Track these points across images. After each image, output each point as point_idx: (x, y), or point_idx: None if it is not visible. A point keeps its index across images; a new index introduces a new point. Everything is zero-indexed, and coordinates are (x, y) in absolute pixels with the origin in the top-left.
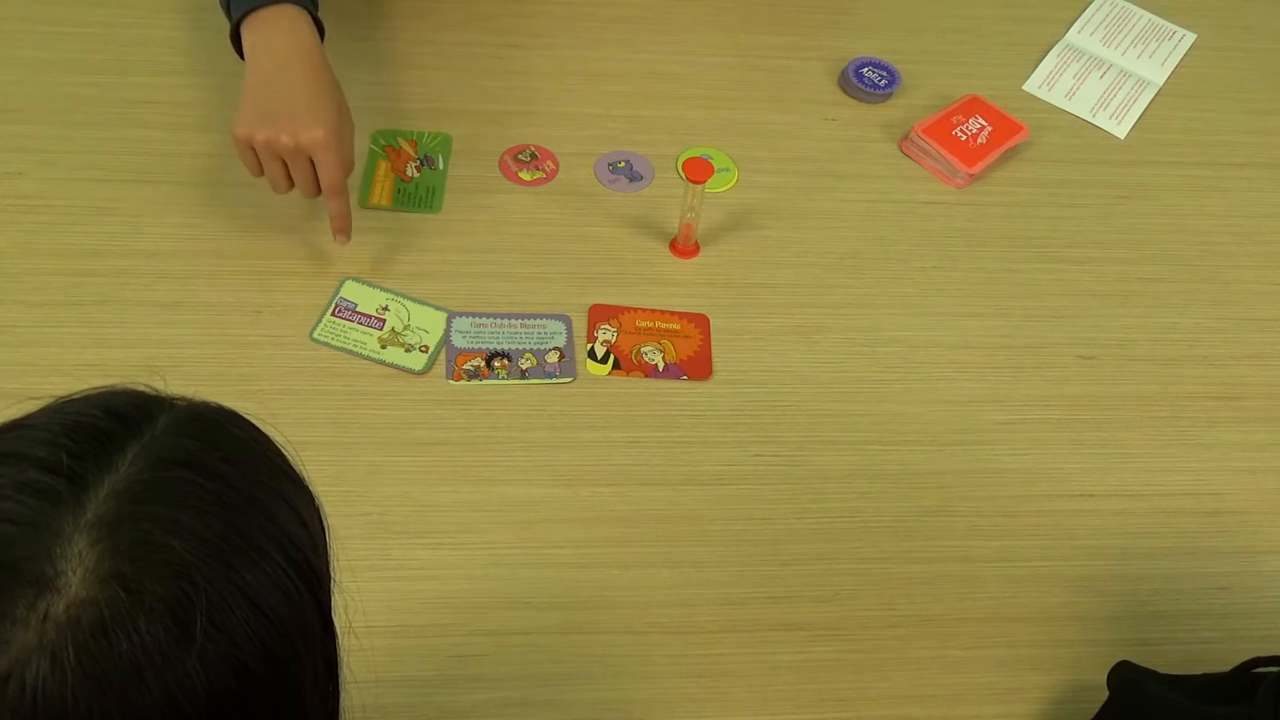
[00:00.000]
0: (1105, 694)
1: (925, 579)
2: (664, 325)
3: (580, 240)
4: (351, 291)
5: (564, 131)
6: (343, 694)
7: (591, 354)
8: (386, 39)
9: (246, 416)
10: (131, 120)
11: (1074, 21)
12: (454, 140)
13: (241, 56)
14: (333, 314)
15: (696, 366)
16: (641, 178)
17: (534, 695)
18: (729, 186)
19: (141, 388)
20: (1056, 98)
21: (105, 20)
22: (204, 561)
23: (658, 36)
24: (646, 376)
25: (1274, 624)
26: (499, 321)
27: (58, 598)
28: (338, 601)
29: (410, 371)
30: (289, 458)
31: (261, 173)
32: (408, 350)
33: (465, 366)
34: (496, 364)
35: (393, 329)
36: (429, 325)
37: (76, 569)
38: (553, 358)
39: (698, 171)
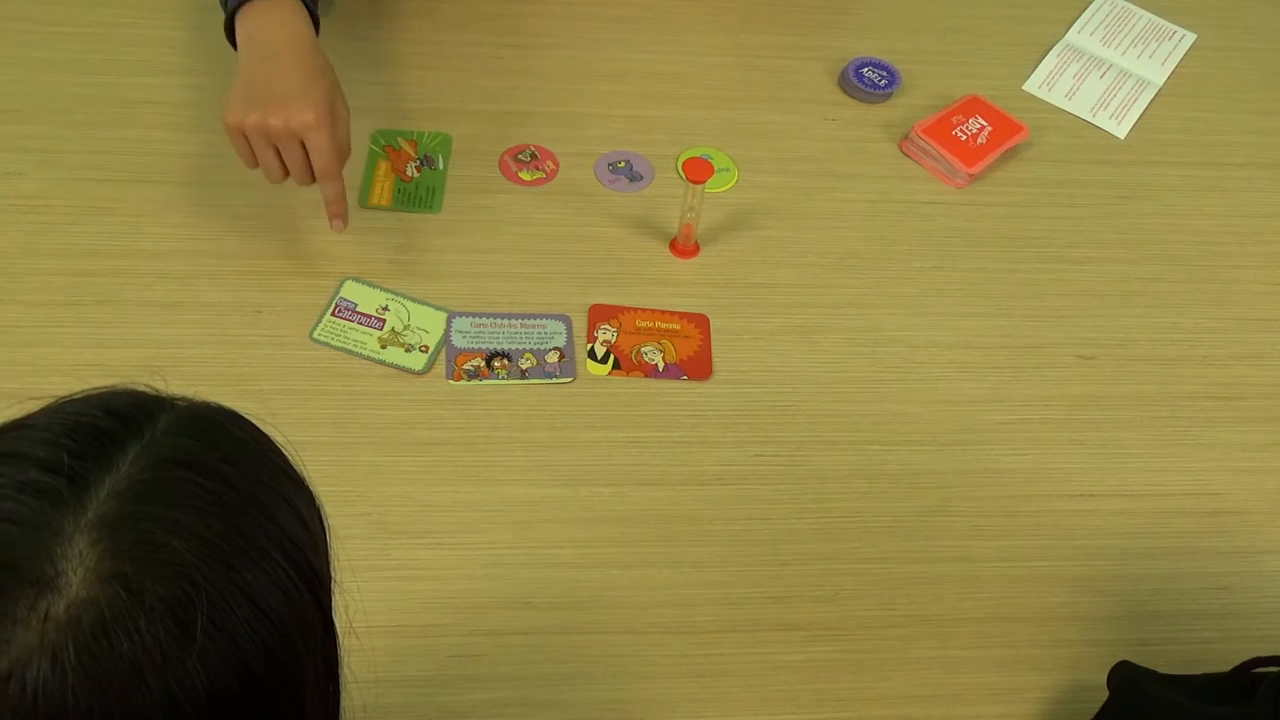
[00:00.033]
0: (1105, 694)
1: (925, 579)
2: (664, 325)
3: (580, 240)
4: (351, 291)
5: (564, 131)
6: (343, 694)
7: (591, 354)
8: (386, 39)
9: (247, 417)
10: (131, 120)
11: (1074, 21)
12: (454, 140)
13: (236, 49)
14: (333, 314)
15: (696, 366)
16: (641, 178)
17: (534, 695)
18: (729, 186)
19: (142, 388)
20: (1056, 98)
21: (105, 20)
22: (205, 561)
23: (658, 36)
24: (646, 376)
25: (1274, 624)
26: (499, 321)
27: (58, 597)
28: (338, 601)
29: (410, 371)
30: (290, 458)
31: (255, 162)
32: (408, 350)
33: (465, 366)
34: (496, 364)
35: (393, 329)
36: (429, 325)
37: (77, 569)
38: (553, 358)
39: (698, 171)
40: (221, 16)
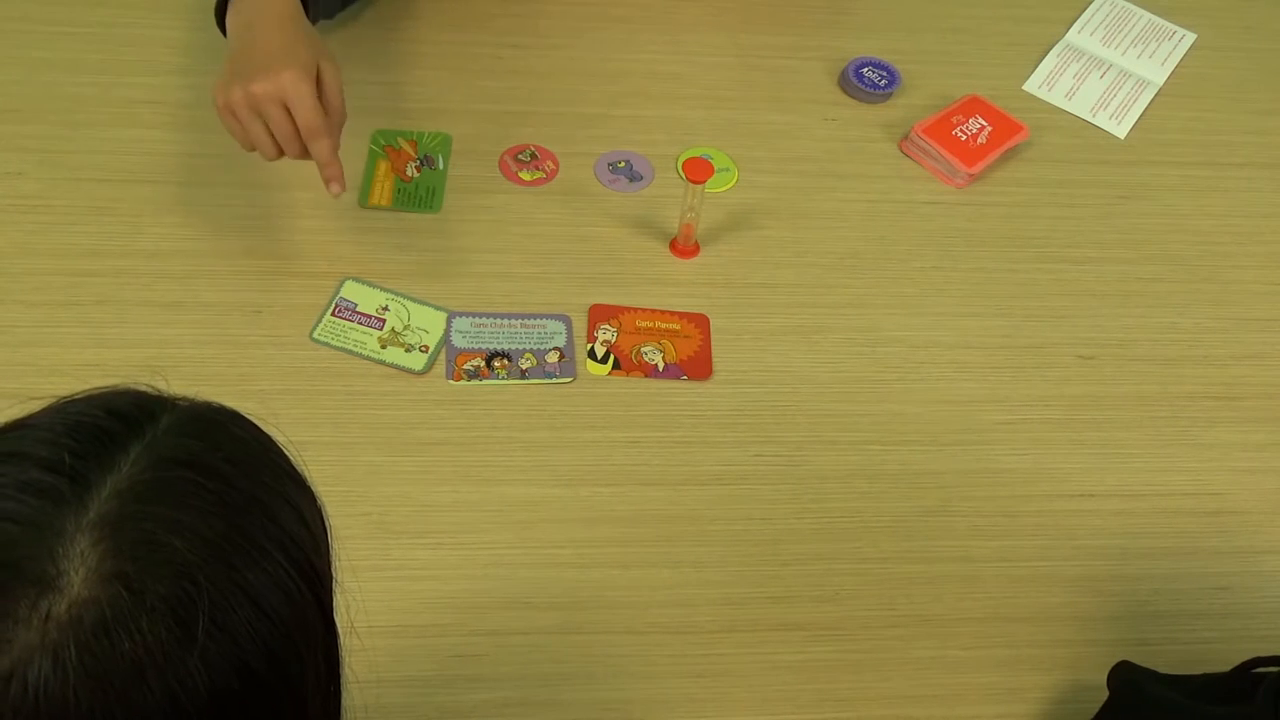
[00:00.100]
0: (1105, 694)
1: (925, 579)
2: (664, 325)
3: (580, 240)
4: (351, 291)
5: (564, 131)
6: (344, 694)
7: (591, 354)
8: (386, 39)
9: (248, 417)
10: (131, 120)
11: (1074, 21)
12: (454, 140)
13: (220, 27)
14: (333, 314)
15: (696, 366)
16: (641, 178)
17: (534, 695)
18: (729, 186)
19: (144, 388)
20: (1056, 98)
21: (105, 20)
22: (206, 561)
23: (658, 36)
24: (646, 376)
25: (1274, 624)
26: (499, 321)
27: (60, 597)
28: (339, 601)
29: (410, 371)
30: (291, 458)
31: (251, 145)
32: (408, 350)
33: (465, 366)
34: (496, 364)
35: (393, 329)
36: (429, 325)
37: (79, 568)
38: (553, 358)
39: (698, 171)
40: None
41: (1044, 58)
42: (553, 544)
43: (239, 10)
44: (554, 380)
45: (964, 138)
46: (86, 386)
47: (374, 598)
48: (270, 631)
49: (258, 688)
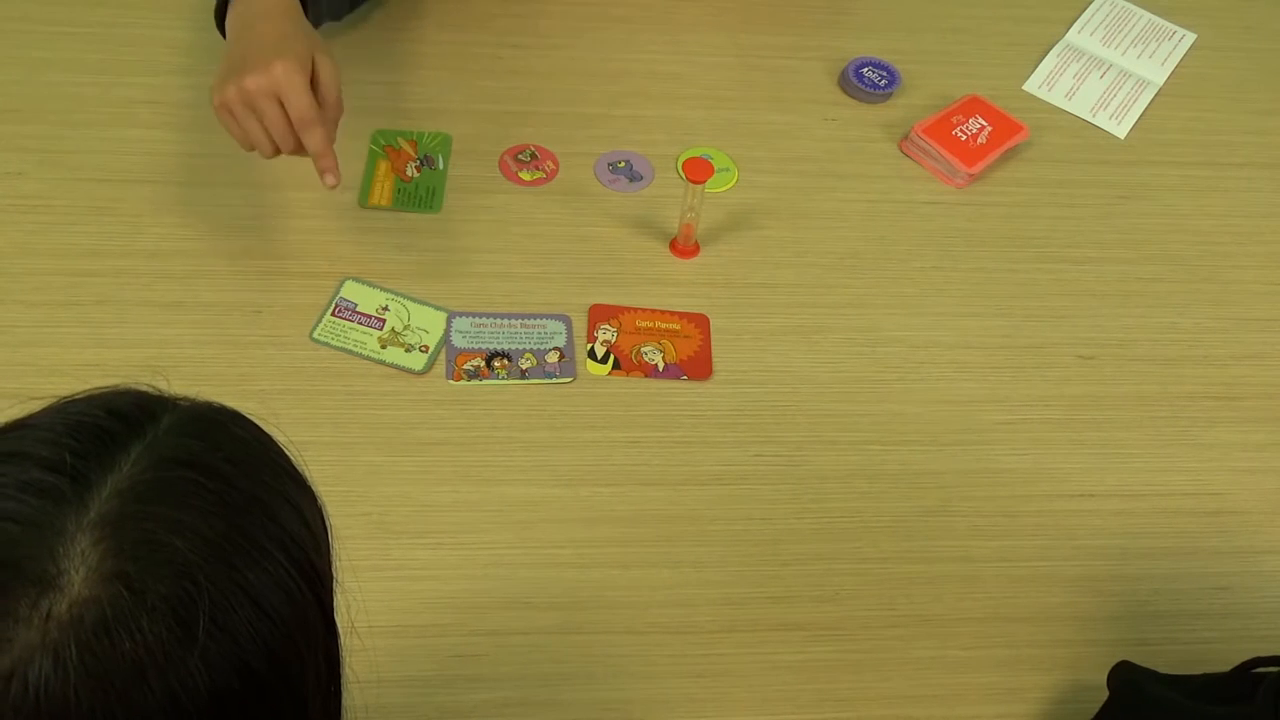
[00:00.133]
0: (1105, 694)
1: (925, 579)
2: (664, 325)
3: (580, 240)
4: (351, 291)
5: (564, 131)
6: (344, 694)
7: (591, 354)
8: (386, 39)
9: (249, 416)
10: (131, 120)
11: (1074, 21)
12: (454, 140)
13: (219, 28)
14: (333, 314)
15: (696, 366)
16: (641, 178)
17: (534, 695)
18: (729, 186)
19: (144, 388)
20: (1056, 98)
21: (105, 20)
22: (207, 561)
23: (658, 36)
24: (646, 376)
25: (1274, 624)
26: (499, 321)
27: (60, 596)
28: (339, 601)
29: (410, 371)
30: (291, 458)
31: (250, 144)
32: (408, 350)
33: (465, 366)
34: (496, 364)
35: (393, 329)
36: (429, 325)
37: (79, 568)
38: (553, 358)
39: (698, 171)
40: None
41: (1044, 58)
42: (553, 544)
43: (237, 11)
44: (554, 380)
45: (964, 138)
46: (87, 386)
47: (374, 598)
48: (271, 631)
49: (258, 687)
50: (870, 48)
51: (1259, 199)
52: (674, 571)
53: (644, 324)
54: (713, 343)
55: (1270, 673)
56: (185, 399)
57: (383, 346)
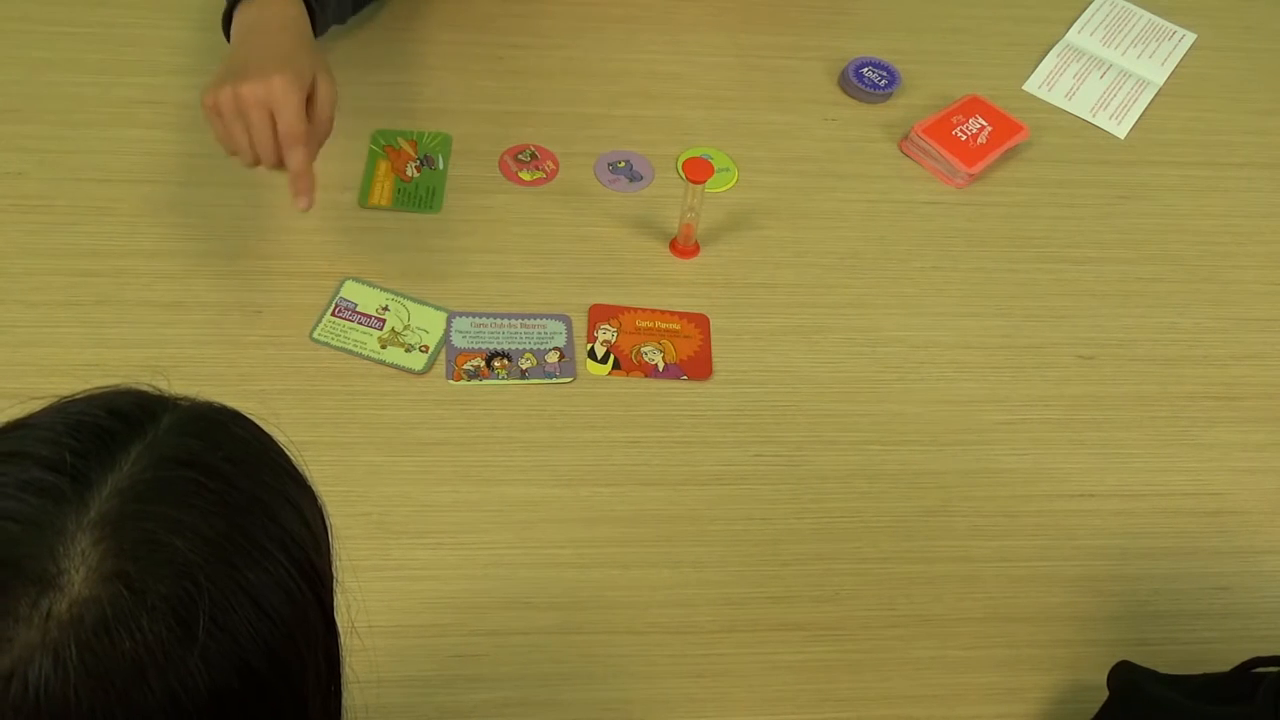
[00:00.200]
0: (1105, 694)
1: (925, 579)
2: (664, 325)
3: (580, 240)
4: (351, 291)
5: (564, 131)
6: (344, 693)
7: (591, 354)
8: (386, 39)
9: (249, 416)
10: (131, 120)
11: (1074, 21)
12: (454, 140)
13: (226, 33)
14: (333, 314)
15: (696, 366)
16: (641, 178)
17: (534, 695)
18: (729, 186)
19: (145, 387)
20: (1056, 98)
21: (105, 20)
22: (207, 560)
23: (658, 36)
24: (646, 376)
25: (1274, 624)
26: (499, 321)
27: (60, 596)
28: (339, 601)
29: (410, 371)
30: (291, 458)
31: (233, 150)
32: (408, 350)
33: (465, 366)
34: (496, 364)
35: (393, 329)
36: (429, 325)
37: (79, 567)
38: (553, 358)
39: (698, 171)
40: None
41: (1044, 58)
42: (553, 544)
43: (244, 17)
44: (554, 380)
45: (964, 138)
46: (87, 386)
47: (374, 598)
48: (271, 631)
49: (258, 687)
50: (870, 48)
51: (1259, 199)
52: (674, 571)
53: (644, 324)
54: (713, 343)
55: (1270, 673)
56: (185, 399)
57: (383, 346)
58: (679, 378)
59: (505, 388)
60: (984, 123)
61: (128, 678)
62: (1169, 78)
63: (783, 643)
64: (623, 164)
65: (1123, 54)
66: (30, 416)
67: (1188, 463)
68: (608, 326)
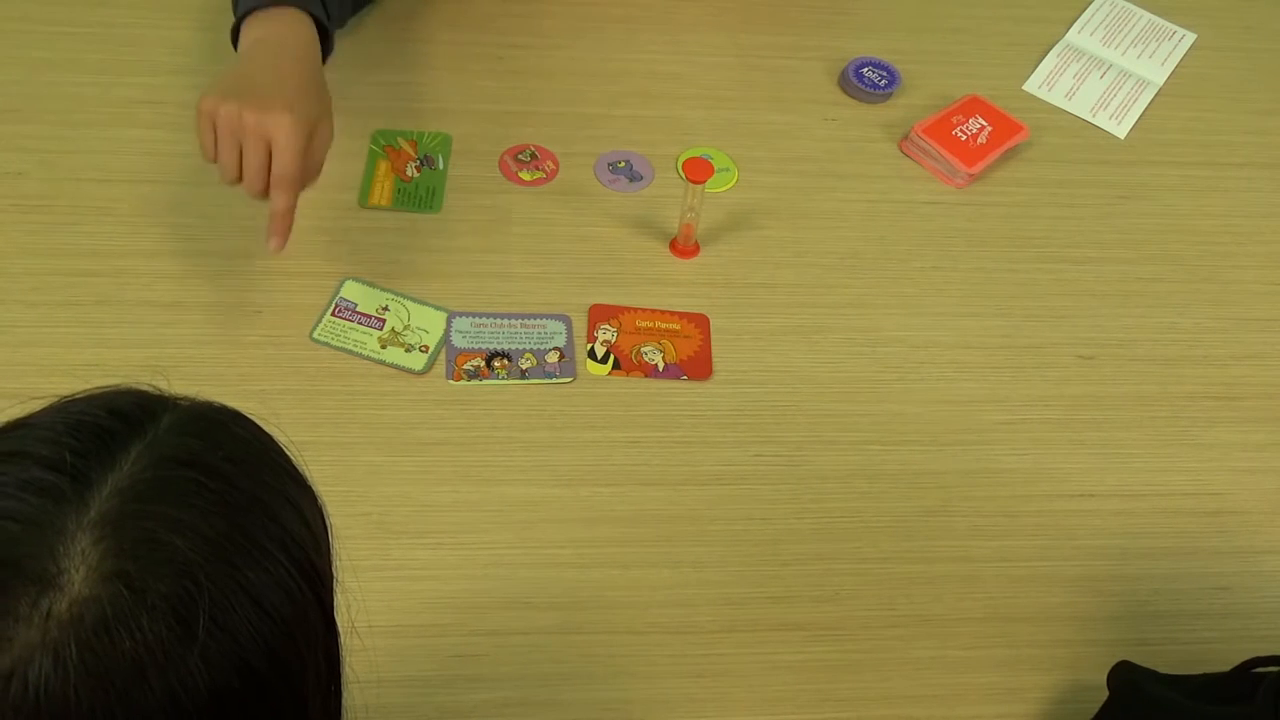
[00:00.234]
0: (1105, 694)
1: (925, 579)
2: (664, 325)
3: (580, 240)
4: (351, 291)
5: (564, 131)
6: (344, 693)
7: (591, 354)
8: (386, 39)
9: (249, 416)
10: (131, 120)
11: (1074, 21)
12: (454, 140)
13: (234, 40)
14: (333, 314)
15: (696, 366)
16: (641, 178)
17: (534, 695)
18: (729, 186)
19: (145, 387)
20: (1056, 98)
21: (105, 20)
22: (207, 560)
23: (658, 36)
24: (646, 376)
25: (1274, 624)
26: (499, 321)
27: (60, 595)
28: (339, 601)
29: (410, 371)
30: (291, 457)
31: (214, 159)
32: (408, 350)
33: (465, 366)
34: (496, 364)
35: (393, 329)
36: (429, 325)
37: (79, 567)
38: (553, 358)
39: (698, 171)
40: (227, 18)
41: (1044, 58)
42: (553, 544)
43: (260, 24)
44: (554, 380)
45: (964, 138)
46: (87, 386)
47: (374, 598)
48: (271, 630)
49: (258, 687)
50: (870, 48)
51: (1259, 199)
52: (674, 571)
53: (644, 324)
54: (713, 343)
55: (1270, 673)
56: (185, 399)
57: (383, 346)
58: (679, 378)
59: (505, 388)
60: (984, 123)
61: (128, 677)
62: (1169, 78)
63: (783, 643)
64: (623, 164)
65: (1123, 54)
66: (30, 416)
67: (1188, 463)
68: (608, 326)
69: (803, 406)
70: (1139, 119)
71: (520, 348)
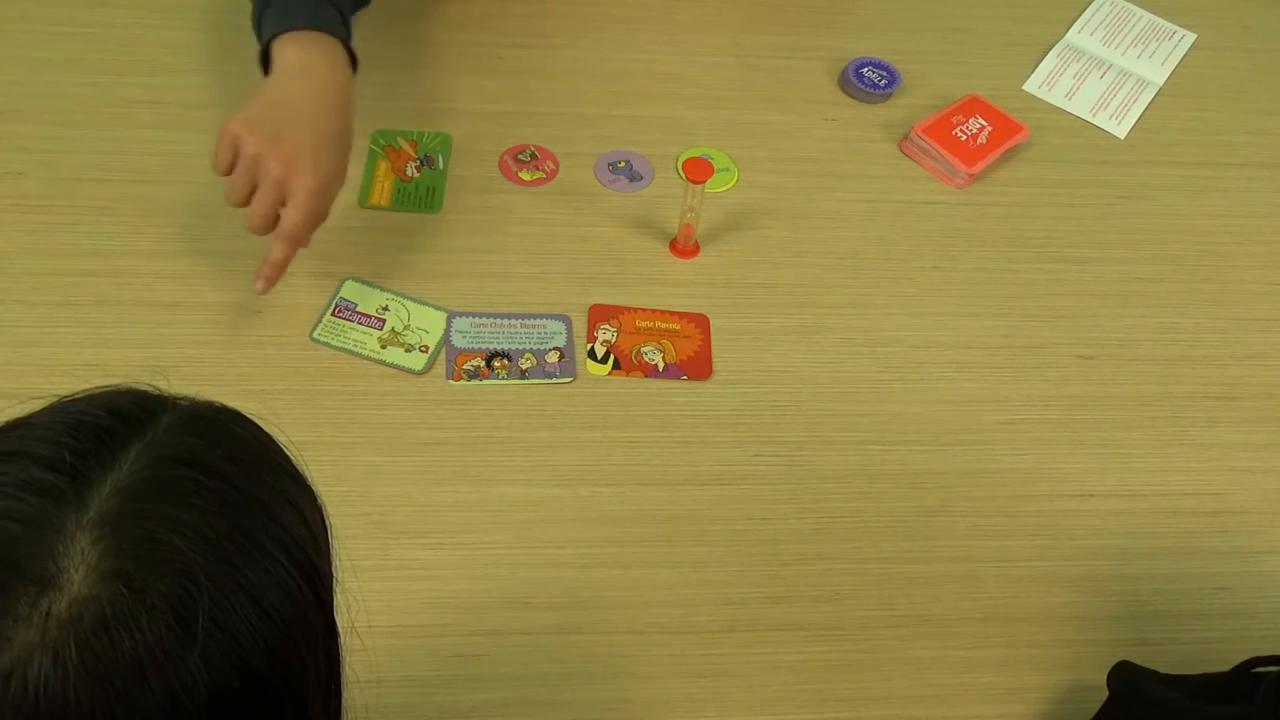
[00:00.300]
0: (1105, 694)
1: (925, 579)
2: (664, 325)
3: (580, 240)
4: (351, 291)
5: (564, 131)
6: (344, 693)
7: (591, 354)
8: (386, 39)
9: (249, 416)
10: (131, 120)
11: (1074, 21)
12: (454, 140)
13: (264, 65)
14: (333, 314)
15: (696, 366)
16: (641, 178)
17: (534, 695)
18: (729, 186)
19: (144, 387)
20: (1056, 98)
21: (105, 20)
22: (207, 560)
23: (658, 36)
24: (646, 376)
25: (1274, 624)
26: (499, 321)
27: (60, 595)
28: (339, 601)
29: (410, 371)
30: (291, 457)
31: (227, 171)
32: (408, 350)
33: (465, 366)
34: (496, 364)
35: (393, 329)
36: (429, 325)
37: (79, 566)
38: (553, 358)
39: (698, 171)
40: (224, 18)
41: (1044, 58)
42: (553, 544)
43: (297, 46)
44: (554, 380)
45: (964, 138)
46: (87, 386)
47: (374, 598)
48: (271, 630)
49: (258, 686)
50: (870, 48)
51: (1259, 199)
52: (674, 571)
53: (644, 324)
54: (713, 343)
55: (1270, 672)
56: (185, 398)
57: (383, 346)
58: (679, 378)
59: (505, 388)
60: (984, 123)
61: (127, 677)
62: (1169, 78)
63: (783, 643)
64: (623, 164)
65: (1123, 54)
66: (30, 416)
67: (1188, 463)
68: (608, 326)
69: (803, 406)
70: (1139, 119)
71: (520, 348)
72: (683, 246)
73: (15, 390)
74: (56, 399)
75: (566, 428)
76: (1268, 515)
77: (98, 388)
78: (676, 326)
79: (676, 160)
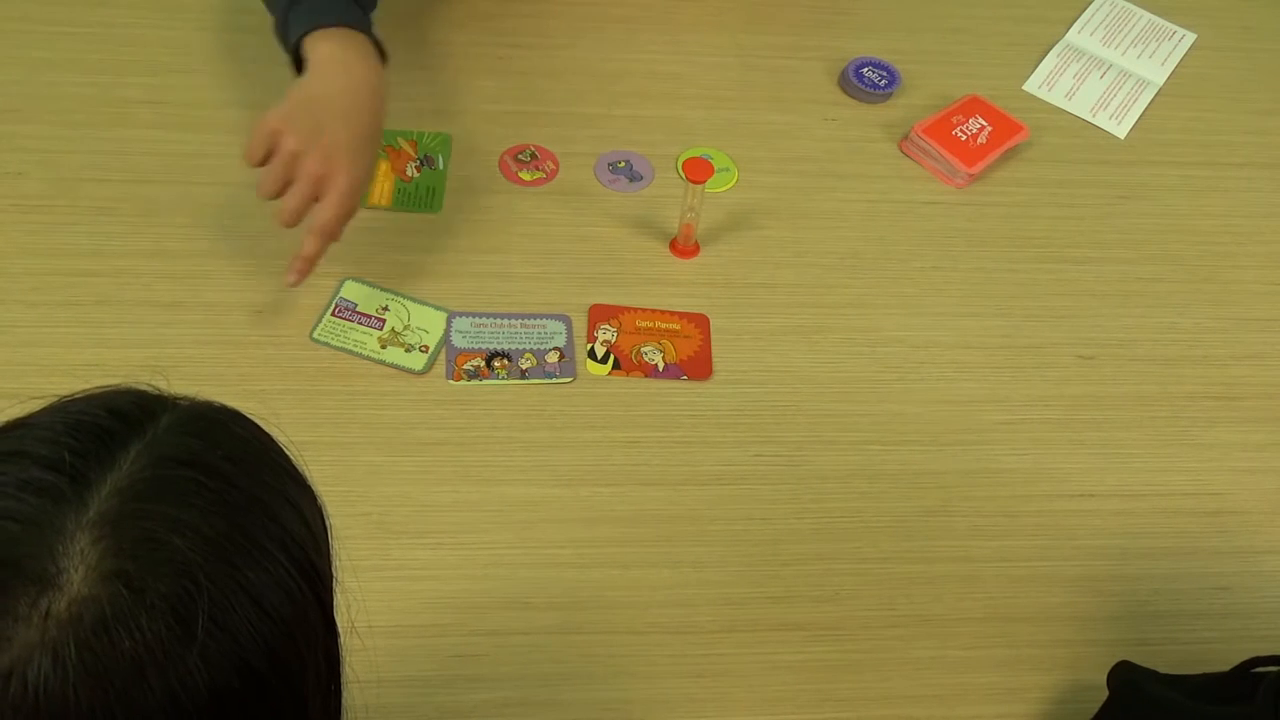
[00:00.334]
0: (1105, 694)
1: (925, 579)
2: (664, 325)
3: (580, 240)
4: (351, 291)
5: (564, 131)
6: (344, 693)
7: (591, 354)
8: (387, 39)
9: (249, 416)
10: (131, 120)
11: (1074, 21)
12: (454, 140)
13: (293, 60)
14: (333, 314)
15: (696, 366)
16: (641, 178)
17: (534, 695)
18: (729, 186)
19: (144, 387)
20: (1056, 98)
21: (105, 20)
22: (206, 560)
23: (658, 36)
24: (646, 376)
25: (1274, 624)
26: (499, 321)
27: (60, 595)
28: (339, 601)
29: (410, 371)
30: (291, 457)
31: (260, 163)
32: (408, 350)
33: (465, 366)
34: (496, 364)
35: (393, 329)
36: (429, 325)
37: (79, 566)
38: (553, 358)
39: (698, 171)
40: (224, 19)
41: (1044, 58)
42: (553, 544)
43: (329, 42)
44: (554, 380)
45: (964, 138)
46: (87, 386)
47: (374, 598)
48: (271, 630)
49: (258, 686)
50: (870, 48)
51: (1259, 199)
52: (674, 571)
53: (644, 324)
54: (713, 343)
55: (1270, 673)
56: (185, 398)
57: (383, 346)
58: (679, 378)
59: (505, 388)
60: (984, 123)
61: (127, 677)
62: (1169, 78)
63: (783, 643)
64: (623, 164)
65: (1123, 54)
66: (30, 416)
67: (1188, 463)
68: (608, 326)
69: (803, 406)
70: (1139, 119)
71: (520, 348)
72: (683, 246)
73: (15, 390)
74: (56, 399)
75: (566, 428)
76: (1268, 515)
77: (98, 388)
78: (676, 326)
79: (676, 160)
